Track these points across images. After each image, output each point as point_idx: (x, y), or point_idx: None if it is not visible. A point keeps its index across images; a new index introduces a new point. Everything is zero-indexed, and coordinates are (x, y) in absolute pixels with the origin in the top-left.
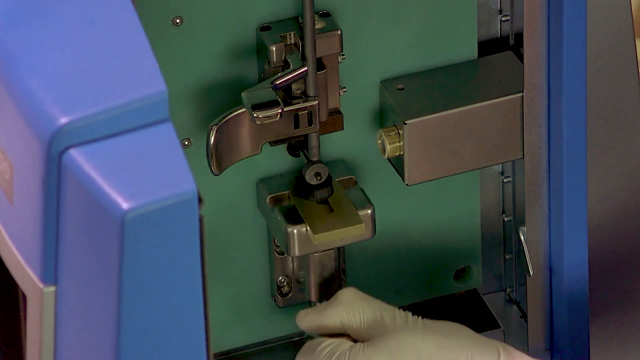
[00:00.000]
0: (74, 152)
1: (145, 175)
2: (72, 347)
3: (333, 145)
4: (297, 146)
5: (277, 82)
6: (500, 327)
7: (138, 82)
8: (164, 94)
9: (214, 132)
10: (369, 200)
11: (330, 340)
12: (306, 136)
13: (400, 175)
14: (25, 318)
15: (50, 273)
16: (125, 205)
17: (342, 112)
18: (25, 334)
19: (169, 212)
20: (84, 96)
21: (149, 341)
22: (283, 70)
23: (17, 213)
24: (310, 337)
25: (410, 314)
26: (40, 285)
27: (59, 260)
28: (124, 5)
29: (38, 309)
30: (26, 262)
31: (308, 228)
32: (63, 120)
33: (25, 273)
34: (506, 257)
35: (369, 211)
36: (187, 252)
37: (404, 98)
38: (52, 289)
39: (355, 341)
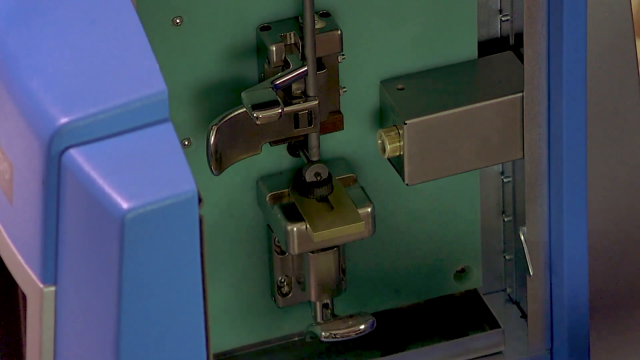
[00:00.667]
0: (74, 152)
1: (145, 175)
2: (72, 346)
3: (333, 145)
4: (297, 146)
5: (277, 82)
6: (500, 327)
7: (138, 82)
8: (164, 94)
9: (214, 132)
10: (369, 198)
11: None
12: (306, 136)
13: (400, 175)
14: (25, 318)
15: (50, 273)
16: (125, 205)
17: (342, 112)
18: (25, 334)
19: (168, 212)
20: (84, 96)
21: (149, 341)
22: (283, 70)
23: (17, 213)
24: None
25: None
26: (40, 285)
27: (59, 260)
28: (124, 5)
29: (38, 309)
30: (26, 262)
31: (308, 226)
32: (63, 120)
33: (25, 273)
34: (506, 257)
35: (369, 209)
36: (187, 252)
37: (404, 98)
38: (52, 289)
39: None
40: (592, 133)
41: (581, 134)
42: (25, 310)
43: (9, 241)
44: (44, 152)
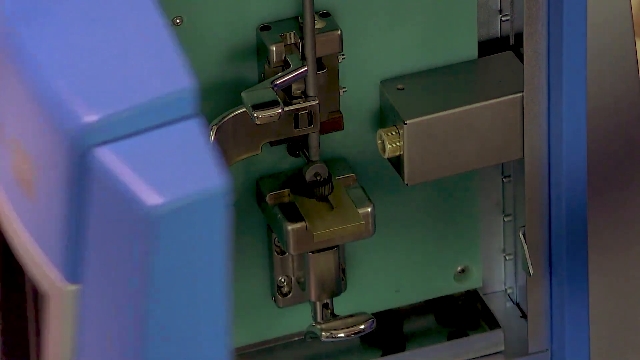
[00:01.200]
0: (100, 150)
1: (174, 171)
2: (95, 346)
3: (333, 145)
4: (297, 146)
5: (277, 82)
6: (500, 327)
7: (165, 77)
8: (192, 88)
9: (214, 132)
10: (369, 198)
11: None
12: (306, 136)
13: (400, 175)
14: (36, 319)
15: (74, 272)
16: (153, 201)
17: (342, 112)
18: (35, 334)
19: (198, 208)
20: (109, 93)
21: (174, 338)
22: (283, 70)
23: (40, 212)
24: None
25: None
26: (63, 284)
27: (84, 258)
28: (146, 1)
29: (60, 308)
30: (49, 261)
31: (308, 226)
32: (88, 118)
33: (47, 272)
34: (506, 257)
35: (369, 209)
36: (216, 248)
37: (404, 98)
38: (75, 287)
39: None
40: (592, 133)
41: (581, 134)
42: (36, 310)
43: (30, 240)
44: (69, 150)
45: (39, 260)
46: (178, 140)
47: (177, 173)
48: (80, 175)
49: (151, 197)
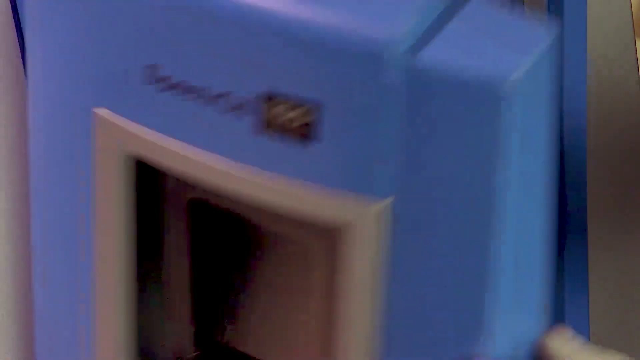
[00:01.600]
0: (416, 57)
1: (499, 44)
2: (419, 262)
3: None
4: None
5: None
6: None
7: None
8: None
9: None
10: None
11: None
12: None
13: None
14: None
15: (387, 188)
16: (499, 79)
17: None
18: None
19: (539, 71)
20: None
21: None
22: None
23: (328, 148)
24: None
25: None
26: (370, 204)
27: (399, 170)
28: None
29: (370, 228)
30: (345, 193)
31: None
32: (390, 32)
33: (340, 205)
34: None
35: None
36: (552, 110)
37: None
38: (387, 201)
39: None
40: (592, 133)
41: (581, 134)
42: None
43: (304, 187)
44: (380, 72)
45: (323, 200)
46: (481, 17)
47: (503, 45)
48: (398, 90)
49: (499, 75)
